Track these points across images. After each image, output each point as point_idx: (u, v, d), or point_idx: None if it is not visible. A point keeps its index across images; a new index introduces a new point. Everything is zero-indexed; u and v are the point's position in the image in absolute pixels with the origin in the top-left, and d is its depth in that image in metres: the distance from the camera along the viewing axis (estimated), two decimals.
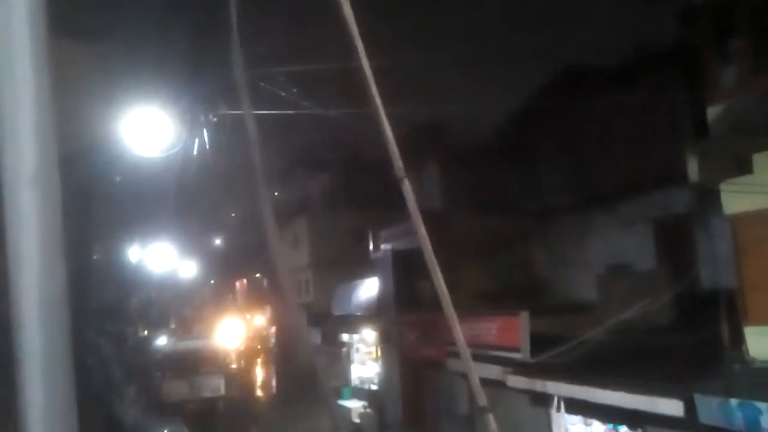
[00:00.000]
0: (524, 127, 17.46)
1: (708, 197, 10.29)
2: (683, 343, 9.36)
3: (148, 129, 6.69)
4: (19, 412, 1.27)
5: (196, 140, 8.08)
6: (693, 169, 8.57)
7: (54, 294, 1.33)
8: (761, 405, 7.08)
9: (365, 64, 2.72)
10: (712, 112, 9.08)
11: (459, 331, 2.34)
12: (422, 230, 2.38)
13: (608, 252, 13.84)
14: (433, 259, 2.29)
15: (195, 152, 7.71)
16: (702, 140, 9.34)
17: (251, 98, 2.89)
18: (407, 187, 2.37)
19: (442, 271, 2.60)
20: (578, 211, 15.00)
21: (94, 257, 9.71)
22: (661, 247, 13.11)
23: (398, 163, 2.39)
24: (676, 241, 12.60)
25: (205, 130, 7.90)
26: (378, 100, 2.75)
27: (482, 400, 2.53)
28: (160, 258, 20.19)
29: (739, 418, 7.35)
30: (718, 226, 10.07)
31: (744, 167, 8.40)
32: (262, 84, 7.27)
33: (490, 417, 2.32)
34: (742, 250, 8.64)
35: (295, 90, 7.70)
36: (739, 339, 8.43)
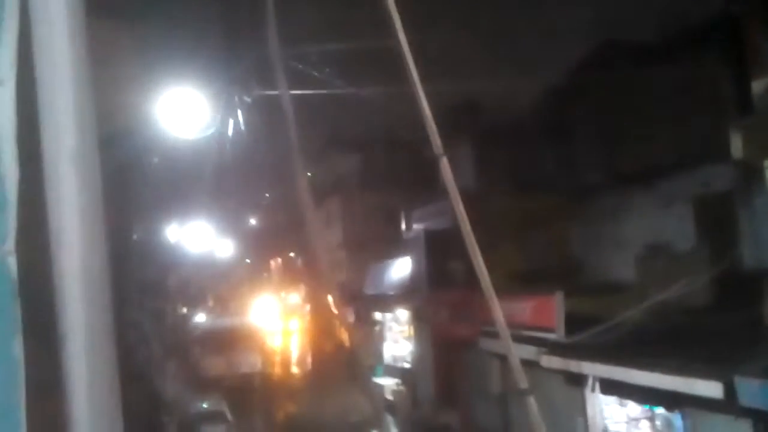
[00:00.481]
0: (561, 104, 17.12)
1: (751, 175, 9.98)
2: (723, 325, 9.15)
3: (184, 110, 6.77)
4: (62, 389, 1.30)
5: (231, 121, 8.15)
6: (736, 145, 8.32)
7: (95, 270, 1.35)
8: None
9: (403, 40, 2.69)
10: (757, 86, 8.78)
11: (499, 311, 2.33)
12: (461, 208, 2.37)
13: (647, 231, 13.55)
14: (471, 237, 2.27)
15: (230, 133, 7.78)
16: (746, 116, 9.05)
17: (286, 78, 2.88)
18: (446, 165, 2.35)
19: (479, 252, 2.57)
20: (616, 189, 14.70)
21: (134, 237, 9.93)
22: (702, 226, 12.77)
23: (437, 140, 2.37)
24: (717, 220, 12.26)
25: (240, 111, 7.97)
26: (416, 78, 2.73)
27: (523, 382, 2.52)
28: (197, 238, 20.58)
29: None
30: (762, 205, 9.78)
31: None
32: (295, 64, 7.28)
33: (531, 399, 2.31)
34: None
35: (328, 69, 7.69)
36: None
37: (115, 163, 6.22)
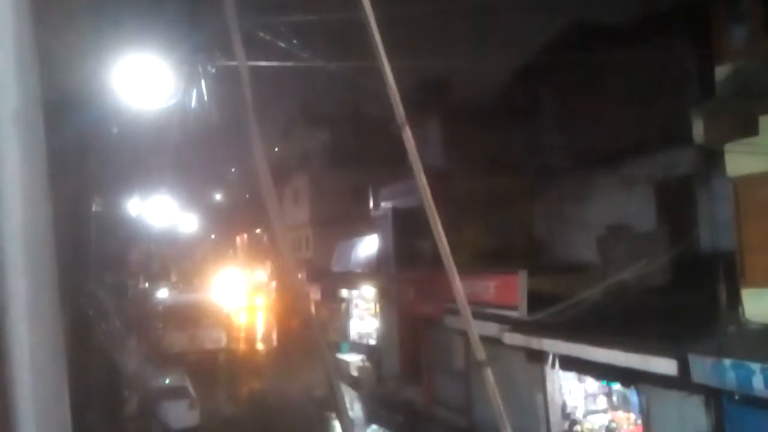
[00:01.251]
0: (528, 84, 17.21)
1: (711, 159, 10.20)
2: (680, 304, 9.41)
3: (145, 78, 6.57)
4: (5, 358, 1.25)
5: (195, 92, 7.94)
6: (698, 129, 8.47)
7: (38, 236, 1.29)
8: (754, 365, 7.16)
9: (367, 4, 2.62)
10: (720, 72, 8.91)
11: (459, 285, 2.31)
12: (423, 179, 2.33)
13: (609, 212, 13.80)
14: (433, 210, 2.24)
15: (193, 104, 7.58)
16: (708, 100, 9.20)
17: (246, 48, 2.78)
18: (408, 136, 2.31)
19: (443, 229, 2.56)
20: (580, 170, 14.91)
21: (94, 209, 9.69)
22: (662, 208, 13.06)
23: (399, 110, 2.32)
24: (677, 203, 12.55)
25: (203, 81, 7.76)
26: (379, 43, 2.66)
27: (481, 354, 2.53)
28: (160, 211, 20.18)
29: (731, 378, 7.44)
30: (720, 188, 10.02)
31: (750, 129, 8.29)
32: (261, 34, 7.10)
33: (488, 371, 2.31)
34: (742, 213, 8.61)
35: (295, 41, 7.52)
36: (736, 301, 8.48)
37: (73, 131, 6.02)
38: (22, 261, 1.27)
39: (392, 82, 2.56)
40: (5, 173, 1.27)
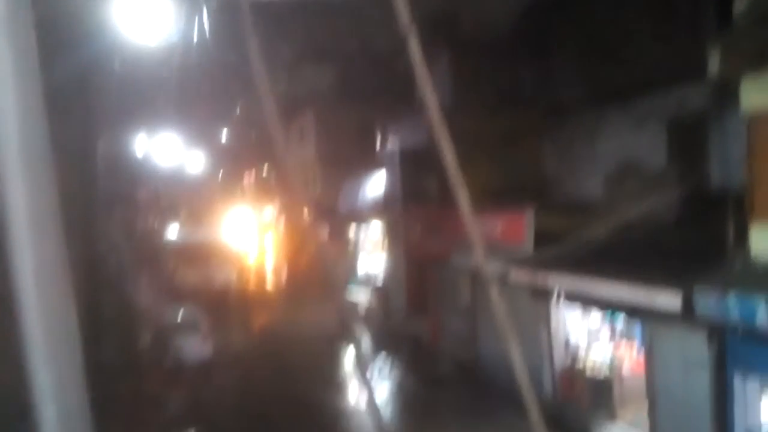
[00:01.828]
0: (539, 19, 16.69)
1: (725, 95, 9.96)
2: (688, 242, 9.41)
3: (145, 13, 6.40)
4: (15, 311, 1.26)
5: (196, 27, 7.77)
6: (714, 62, 8.22)
7: (39, 170, 1.28)
8: (758, 299, 7.20)
9: None
10: (738, 2, 8.59)
11: (470, 212, 2.27)
12: (430, 93, 2.25)
13: (619, 150, 13.63)
14: (442, 128, 2.18)
15: (195, 39, 7.42)
16: (726, 32, 8.91)
17: None
18: (414, 44, 2.21)
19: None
20: (591, 107, 14.63)
21: (100, 146, 9.65)
22: (674, 146, 12.87)
23: (404, 16, 2.20)
24: (688, 140, 12.35)
25: (205, 16, 7.57)
26: None
27: (487, 272, 2.52)
28: (167, 150, 20.14)
29: (735, 312, 7.51)
30: (733, 125, 9.83)
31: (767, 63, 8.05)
32: None
33: (495, 289, 2.31)
34: (755, 148, 8.47)
35: None
36: (743, 238, 8.45)
37: (74, 68, 5.92)
38: (23, 188, 1.26)
39: None
40: (4, 121, 1.25)
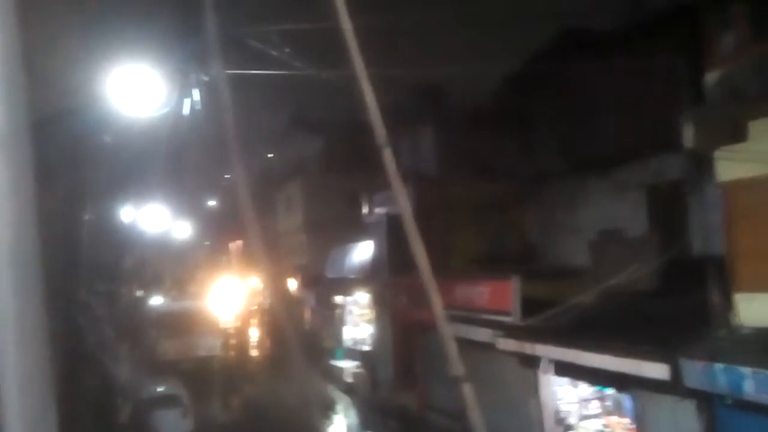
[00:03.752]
0: (520, 91, 17.30)
1: (702, 164, 10.27)
2: (672, 309, 9.46)
3: (137, 88, 6.58)
4: None
5: (188, 100, 7.96)
6: (688, 135, 8.53)
7: (26, 254, 1.31)
8: (745, 370, 7.20)
9: (347, 29, 2.64)
10: (710, 78, 8.99)
11: (438, 300, 2.33)
12: (404, 199, 2.36)
13: (601, 217, 13.88)
14: (413, 226, 2.27)
15: (186, 112, 7.60)
16: (699, 107, 9.28)
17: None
18: (388, 156, 2.33)
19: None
20: (572, 176, 14.98)
21: (86, 218, 9.67)
22: (654, 213, 13.14)
23: (380, 131, 2.34)
24: (668, 208, 12.63)
25: (197, 90, 7.78)
26: (361, 68, 2.68)
27: (458, 369, 2.54)
28: (153, 219, 20.11)
29: (723, 383, 7.49)
30: (711, 193, 10.08)
31: (739, 135, 8.36)
32: (255, 43, 7.13)
33: (467, 387, 2.33)
34: (733, 218, 8.67)
35: (288, 50, 7.55)
36: (727, 305, 8.52)
37: (65, 142, 6.02)
38: (8, 269, 1.29)
39: (373, 104, 2.58)
40: None
